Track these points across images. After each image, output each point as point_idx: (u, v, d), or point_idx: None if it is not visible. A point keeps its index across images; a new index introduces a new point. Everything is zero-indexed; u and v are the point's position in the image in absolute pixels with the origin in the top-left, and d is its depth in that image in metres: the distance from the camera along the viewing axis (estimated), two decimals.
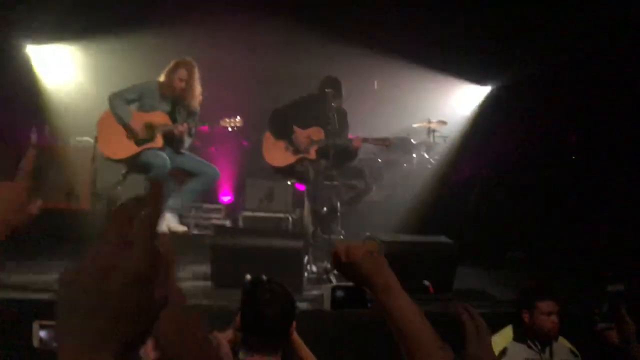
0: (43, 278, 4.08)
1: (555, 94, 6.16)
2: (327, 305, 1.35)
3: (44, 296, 3.60)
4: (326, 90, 4.73)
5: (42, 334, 1.64)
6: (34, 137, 6.33)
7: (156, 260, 0.61)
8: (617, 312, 2.35)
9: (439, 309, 3.74)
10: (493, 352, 1.16)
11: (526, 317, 2.88)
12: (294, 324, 2.18)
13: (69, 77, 6.82)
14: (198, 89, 4.73)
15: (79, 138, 6.10)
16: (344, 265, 1.21)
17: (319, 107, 4.90)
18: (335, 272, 3.60)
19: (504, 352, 2.81)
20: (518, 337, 2.90)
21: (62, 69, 6.86)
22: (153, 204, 0.64)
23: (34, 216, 1.14)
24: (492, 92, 7.28)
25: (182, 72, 4.63)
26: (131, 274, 0.59)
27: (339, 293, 1.30)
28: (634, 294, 2.51)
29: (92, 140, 5.50)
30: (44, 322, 1.64)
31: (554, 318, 2.83)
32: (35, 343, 1.63)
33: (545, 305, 2.85)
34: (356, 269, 1.19)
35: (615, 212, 5.33)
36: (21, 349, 1.70)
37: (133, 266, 0.60)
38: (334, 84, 4.88)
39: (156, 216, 0.63)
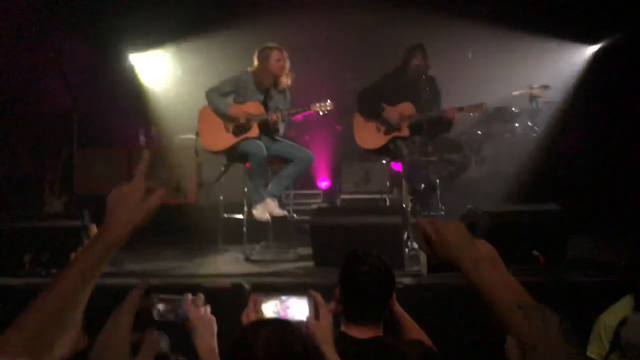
0: (158, 265, 4.38)
1: None
2: (424, 269, 1.37)
3: (157, 281, 3.86)
4: (413, 60, 4.59)
5: (160, 306, 1.76)
6: (142, 138, 6.78)
7: None
8: None
9: (551, 279, 3.54)
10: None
11: None
12: (394, 295, 2.16)
13: (169, 79, 7.21)
14: (289, 72, 4.82)
15: (182, 136, 6.43)
16: (433, 243, 1.25)
17: (406, 81, 4.77)
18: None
19: (623, 321, 2.58)
20: None
21: (162, 73, 7.27)
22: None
23: (154, 212, 1.26)
24: (600, 50, 6.71)
25: (277, 53, 4.73)
26: None
27: (433, 258, 1.31)
28: None
29: (194, 137, 5.78)
30: (162, 296, 1.77)
31: None
32: (155, 315, 1.75)
33: None
34: (445, 246, 1.24)
35: None
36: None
37: None
38: (419, 50, 4.73)
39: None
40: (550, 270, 3.58)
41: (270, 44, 4.82)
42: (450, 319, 3.10)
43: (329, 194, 6.53)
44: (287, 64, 4.79)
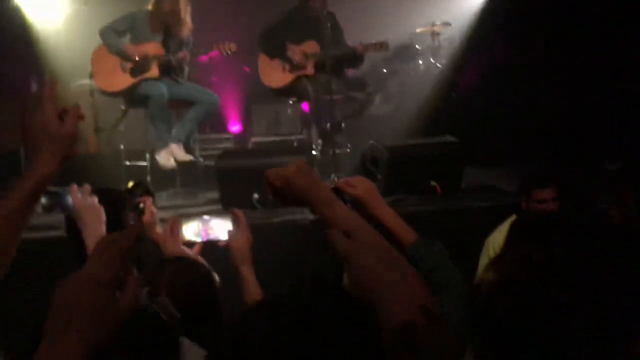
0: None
1: None
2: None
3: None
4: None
5: (44, 199, 1.72)
6: (34, 86, 6.33)
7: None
8: (617, 188, 2.30)
9: (446, 206, 3.76)
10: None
11: (524, 205, 2.92)
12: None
13: (60, 19, 6.67)
14: (187, 19, 4.60)
15: (79, 82, 6.04)
16: (279, 190, 1.21)
17: (307, 18, 4.73)
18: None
19: None
20: None
21: (53, 13, 6.71)
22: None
23: (76, 134, 1.22)
24: None
25: (167, 4, 4.49)
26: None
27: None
28: (632, 170, 2.45)
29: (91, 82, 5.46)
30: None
31: (549, 205, 2.84)
32: (40, 208, 1.70)
33: (540, 193, 2.87)
34: (293, 189, 1.19)
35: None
36: None
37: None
38: None
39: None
40: (447, 199, 3.79)
41: None
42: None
43: (240, 137, 6.46)
44: (185, 15, 4.54)
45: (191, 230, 1.92)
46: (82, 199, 1.72)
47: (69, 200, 1.72)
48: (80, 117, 1.24)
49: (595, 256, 1.11)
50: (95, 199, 1.75)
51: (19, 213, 1.16)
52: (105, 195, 1.91)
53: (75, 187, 1.73)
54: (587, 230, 1.71)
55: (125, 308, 0.81)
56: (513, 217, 2.98)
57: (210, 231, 1.94)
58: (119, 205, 1.94)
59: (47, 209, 1.71)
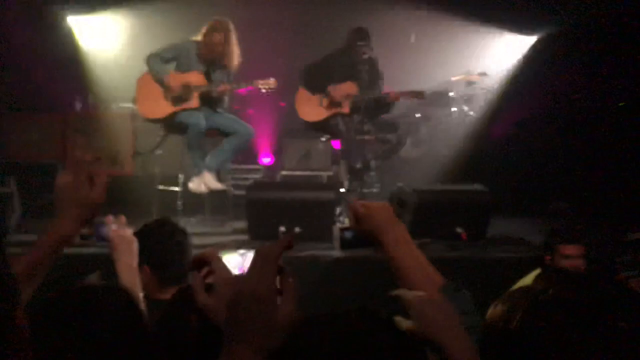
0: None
1: (604, 43, 5.85)
2: (336, 245, 1.44)
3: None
4: (357, 43, 4.68)
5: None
6: (78, 105, 6.57)
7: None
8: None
9: (471, 254, 3.75)
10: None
11: (548, 259, 2.90)
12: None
13: (110, 45, 6.96)
14: (236, 51, 4.75)
15: (120, 104, 6.27)
16: (361, 217, 1.35)
17: (350, 61, 4.86)
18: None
19: None
20: None
21: (102, 38, 7.01)
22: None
23: (101, 199, 1.28)
24: (537, 42, 6.98)
25: (217, 37, 4.65)
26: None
27: (347, 234, 1.42)
28: None
29: (132, 105, 5.65)
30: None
31: (574, 261, 2.82)
32: (77, 238, 1.76)
33: (566, 249, 2.85)
34: (371, 221, 1.33)
35: None
36: None
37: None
38: (363, 34, 4.82)
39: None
40: (471, 247, 3.79)
41: (218, 20, 4.69)
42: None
43: (271, 170, 6.57)
44: (234, 47, 4.68)
45: (232, 262, 2.00)
46: (119, 231, 1.78)
47: (105, 230, 1.78)
48: (107, 185, 1.31)
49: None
50: (130, 231, 1.82)
51: (38, 267, 1.22)
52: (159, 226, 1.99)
53: (111, 217, 1.78)
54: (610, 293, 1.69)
55: (288, 314, 0.85)
56: (538, 271, 2.99)
57: (246, 264, 2.02)
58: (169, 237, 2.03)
59: (85, 238, 1.76)
